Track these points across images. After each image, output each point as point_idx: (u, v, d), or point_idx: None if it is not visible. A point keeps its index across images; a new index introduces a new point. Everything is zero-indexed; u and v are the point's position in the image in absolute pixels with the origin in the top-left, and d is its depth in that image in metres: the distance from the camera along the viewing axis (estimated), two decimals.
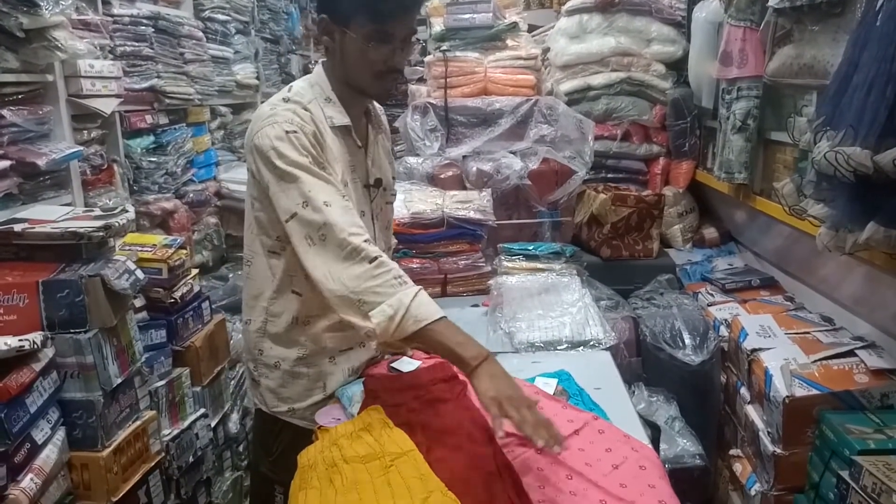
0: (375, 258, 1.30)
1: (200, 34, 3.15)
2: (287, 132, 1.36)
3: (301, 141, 1.37)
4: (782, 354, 2.07)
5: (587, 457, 1.25)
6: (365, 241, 1.32)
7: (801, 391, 1.91)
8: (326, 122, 1.45)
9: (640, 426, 1.44)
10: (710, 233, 3.30)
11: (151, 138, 2.83)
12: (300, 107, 1.43)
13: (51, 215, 1.78)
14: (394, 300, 1.27)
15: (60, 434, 1.60)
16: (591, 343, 1.87)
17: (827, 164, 1.51)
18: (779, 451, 1.97)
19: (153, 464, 1.87)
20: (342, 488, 1.15)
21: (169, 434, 2.06)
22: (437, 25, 3.34)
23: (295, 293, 1.51)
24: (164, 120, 2.91)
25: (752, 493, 2.12)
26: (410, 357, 1.64)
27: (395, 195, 1.74)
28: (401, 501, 1.10)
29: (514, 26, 3.26)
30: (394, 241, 1.91)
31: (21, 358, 1.48)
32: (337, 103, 1.48)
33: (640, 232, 2.95)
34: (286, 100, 1.45)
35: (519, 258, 2.39)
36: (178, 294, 2.13)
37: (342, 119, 1.47)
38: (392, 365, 1.61)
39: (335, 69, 1.49)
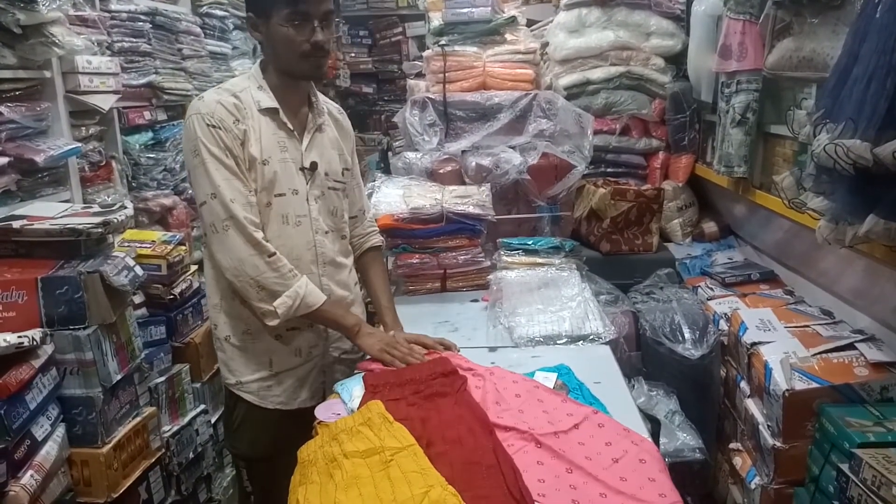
0: (273, 254, 1.55)
1: (198, 30, 3.15)
2: (209, 125, 1.53)
3: (221, 136, 1.53)
4: (782, 348, 2.06)
5: (587, 450, 1.25)
6: (262, 238, 1.55)
7: (800, 384, 1.91)
8: (255, 105, 1.60)
9: (639, 420, 1.44)
10: (710, 227, 3.29)
11: (150, 134, 2.82)
12: (229, 94, 1.59)
13: (49, 212, 1.78)
14: (291, 292, 1.55)
15: (60, 430, 1.60)
16: (591, 337, 1.87)
17: (826, 157, 1.50)
18: (778, 444, 1.97)
19: (153, 460, 1.88)
20: (342, 483, 1.15)
21: (169, 430, 2.07)
22: (436, 20, 3.33)
23: None
24: (162, 116, 2.91)
25: (752, 486, 2.12)
26: None
27: (344, 184, 1.79)
28: (401, 496, 1.10)
29: (512, 20, 3.25)
30: (377, 238, 1.96)
31: (20, 354, 1.48)
32: (267, 90, 1.63)
33: (639, 226, 2.94)
34: (218, 90, 1.61)
35: (518, 253, 2.38)
36: (177, 290, 2.13)
37: (269, 102, 1.62)
38: None
39: (269, 62, 1.65)
